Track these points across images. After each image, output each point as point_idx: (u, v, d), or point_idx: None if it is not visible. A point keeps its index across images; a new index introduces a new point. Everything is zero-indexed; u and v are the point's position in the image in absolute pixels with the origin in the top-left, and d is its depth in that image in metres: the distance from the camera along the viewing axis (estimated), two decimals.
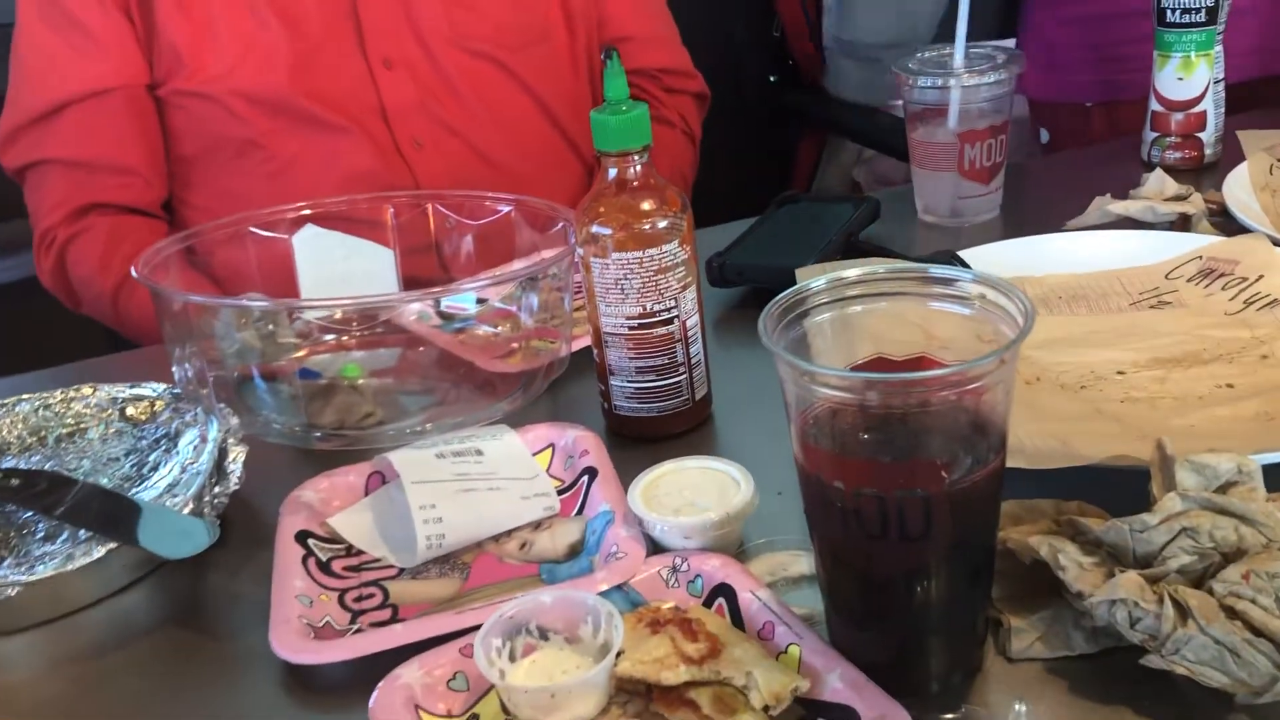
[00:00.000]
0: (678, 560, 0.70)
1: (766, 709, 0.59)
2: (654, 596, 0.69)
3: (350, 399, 0.92)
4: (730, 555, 0.71)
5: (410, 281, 1.10)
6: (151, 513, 0.76)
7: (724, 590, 0.68)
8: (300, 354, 1.00)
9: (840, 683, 0.59)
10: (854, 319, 0.61)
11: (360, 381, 0.95)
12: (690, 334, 0.85)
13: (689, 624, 0.64)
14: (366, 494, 0.83)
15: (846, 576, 0.59)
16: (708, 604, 0.68)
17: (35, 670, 0.74)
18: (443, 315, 1.06)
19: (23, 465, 0.86)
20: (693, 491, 0.74)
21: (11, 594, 0.71)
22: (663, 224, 0.82)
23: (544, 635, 0.65)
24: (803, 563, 0.71)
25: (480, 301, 1.05)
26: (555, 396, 0.95)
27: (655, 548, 0.73)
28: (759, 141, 1.93)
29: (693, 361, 0.86)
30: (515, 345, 1.01)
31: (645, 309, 0.82)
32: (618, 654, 0.62)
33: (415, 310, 1.05)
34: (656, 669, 0.61)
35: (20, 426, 0.91)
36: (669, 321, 0.83)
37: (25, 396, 0.94)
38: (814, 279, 0.59)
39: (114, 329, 1.36)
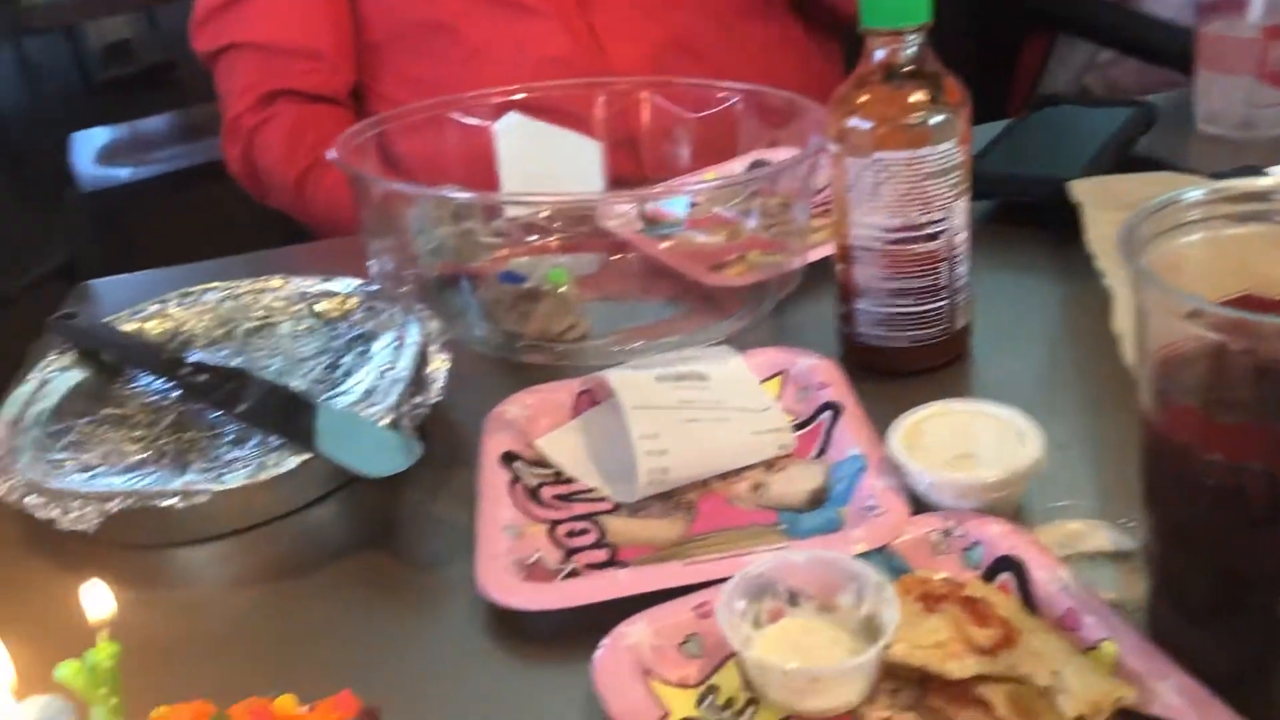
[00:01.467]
0: (950, 523, 0.59)
1: (1079, 719, 0.48)
2: (921, 564, 0.59)
3: (555, 307, 0.83)
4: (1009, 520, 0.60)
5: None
6: (343, 421, 0.69)
7: (1010, 564, 0.57)
8: (498, 255, 0.91)
9: (1176, 696, 0.48)
10: (1225, 243, 0.48)
11: (563, 289, 0.86)
12: (957, 252, 0.72)
13: (975, 604, 0.53)
14: (575, 414, 0.74)
15: (1199, 565, 0.47)
16: (987, 578, 0.57)
17: (222, 584, 0.68)
18: (647, 219, 0.96)
19: (210, 359, 0.80)
20: (965, 441, 0.63)
21: (200, 501, 0.65)
22: (937, 119, 0.69)
23: (794, 600, 0.56)
24: (1101, 536, 0.59)
25: (693, 205, 0.95)
26: (782, 317, 0.84)
27: (917, 504, 0.62)
28: (977, 40, 1.75)
29: (957, 285, 0.73)
30: (732, 256, 0.90)
31: (907, 220, 0.70)
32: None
33: (619, 211, 0.96)
34: (940, 657, 0.51)
35: (208, 317, 0.86)
36: (934, 236, 0.71)
37: (213, 285, 0.88)
38: (1188, 189, 0.46)
39: (297, 220, 1.31)
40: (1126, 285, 0.57)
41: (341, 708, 0.43)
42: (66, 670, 0.40)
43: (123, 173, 2.39)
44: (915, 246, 0.71)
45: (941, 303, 0.73)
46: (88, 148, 2.47)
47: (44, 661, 0.43)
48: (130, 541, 0.68)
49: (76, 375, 0.80)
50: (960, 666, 0.50)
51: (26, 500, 0.67)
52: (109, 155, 2.45)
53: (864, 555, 0.58)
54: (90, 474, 0.70)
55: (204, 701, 0.44)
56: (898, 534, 0.59)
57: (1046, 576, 0.55)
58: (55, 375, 0.80)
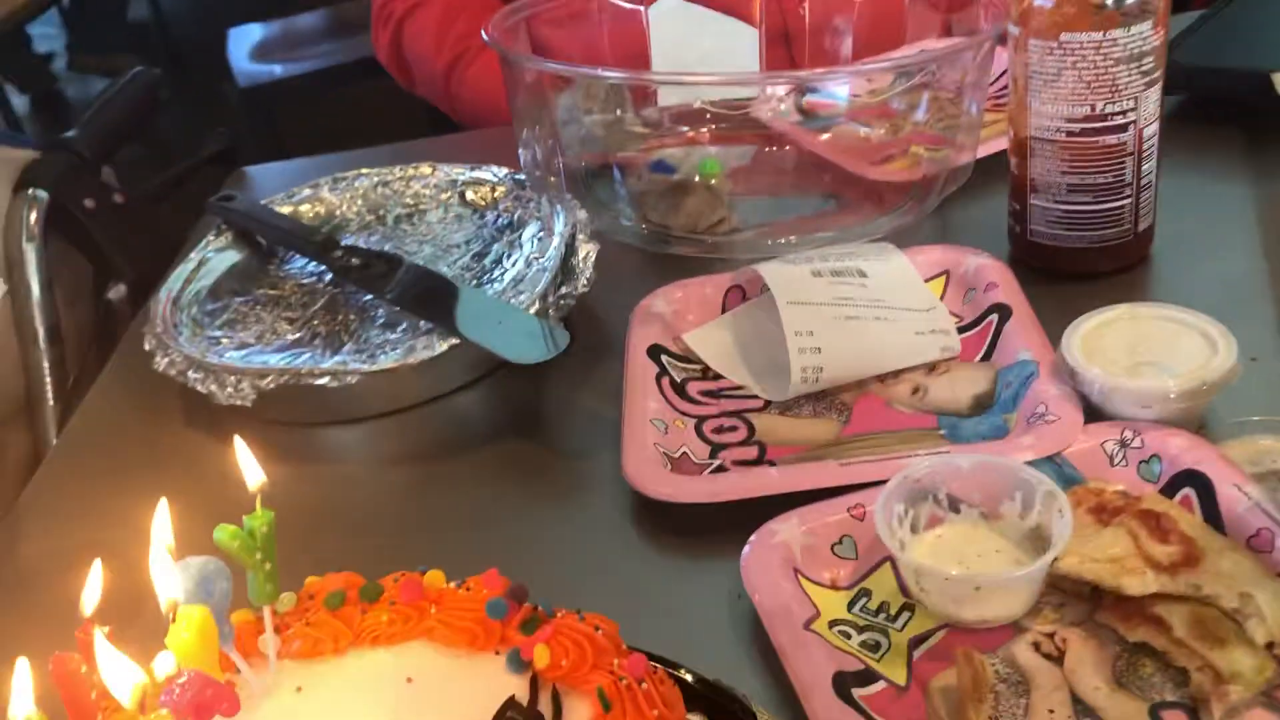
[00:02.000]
0: (1128, 433, 0.55)
1: (1270, 646, 0.45)
2: (1094, 475, 0.55)
3: (706, 200, 0.80)
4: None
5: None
6: (483, 305, 0.69)
7: (1193, 479, 0.53)
8: (648, 144, 0.88)
9: None
10: None
11: (715, 181, 0.83)
12: (1146, 146, 0.67)
13: (1155, 518, 0.50)
14: (724, 310, 0.72)
15: None
16: (1167, 493, 0.53)
17: (371, 464, 0.69)
18: (804, 111, 0.92)
19: (362, 244, 0.80)
20: (1149, 347, 0.58)
21: (352, 381, 0.66)
22: None
23: (955, 506, 0.53)
24: None
25: (854, 97, 0.90)
26: (946, 214, 0.80)
27: (1091, 413, 0.58)
28: None
29: (1142, 182, 0.68)
30: (894, 151, 0.86)
31: (1093, 109, 0.65)
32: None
33: (773, 103, 0.92)
34: (1114, 572, 0.48)
35: (360, 203, 0.86)
36: (1122, 128, 0.65)
37: (364, 171, 0.88)
38: None
39: (443, 111, 1.31)
40: None
41: (489, 585, 0.42)
42: (224, 534, 0.41)
43: (276, 69, 2.43)
44: (1100, 139, 0.66)
45: (1125, 201, 0.68)
46: (243, 44, 2.52)
47: (201, 527, 0.43)
48: (284, 419, 0.69)
49: (233, 256, 0.82)
50: (1140, 583, 0.47)
51: (189, 374, 0.69)
52: (263, 52, 2.49)
53: (1034, 464, 0.54)
54: (245, 351, 0.71)
55: (353, 573, 0.44)
56: (1070, 442, 0.56)
57: (1234, 494, 0.51)
58: (213, 255, 0.81)
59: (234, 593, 0.41)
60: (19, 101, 3.23)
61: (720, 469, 0.61)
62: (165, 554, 0.39)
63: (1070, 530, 0.48)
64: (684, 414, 0.65)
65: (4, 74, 3.07)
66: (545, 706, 0.38)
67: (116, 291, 0.95)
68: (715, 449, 0.62)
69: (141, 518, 0.41)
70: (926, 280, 0.70)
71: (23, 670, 0.36)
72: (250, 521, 0.41)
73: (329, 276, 0.78)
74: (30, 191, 0.90)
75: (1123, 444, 0.55)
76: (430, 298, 0.70)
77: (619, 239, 0.80)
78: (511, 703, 0.38)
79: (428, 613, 0.42)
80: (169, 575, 0.38)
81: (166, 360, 0.70)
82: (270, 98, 2.41)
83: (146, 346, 0.73)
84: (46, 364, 0.88)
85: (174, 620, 0.37)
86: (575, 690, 0.38)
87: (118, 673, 0.37)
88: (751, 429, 0.63)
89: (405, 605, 0.42)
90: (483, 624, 0.41)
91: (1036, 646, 0.48)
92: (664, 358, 0.68)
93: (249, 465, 0.43)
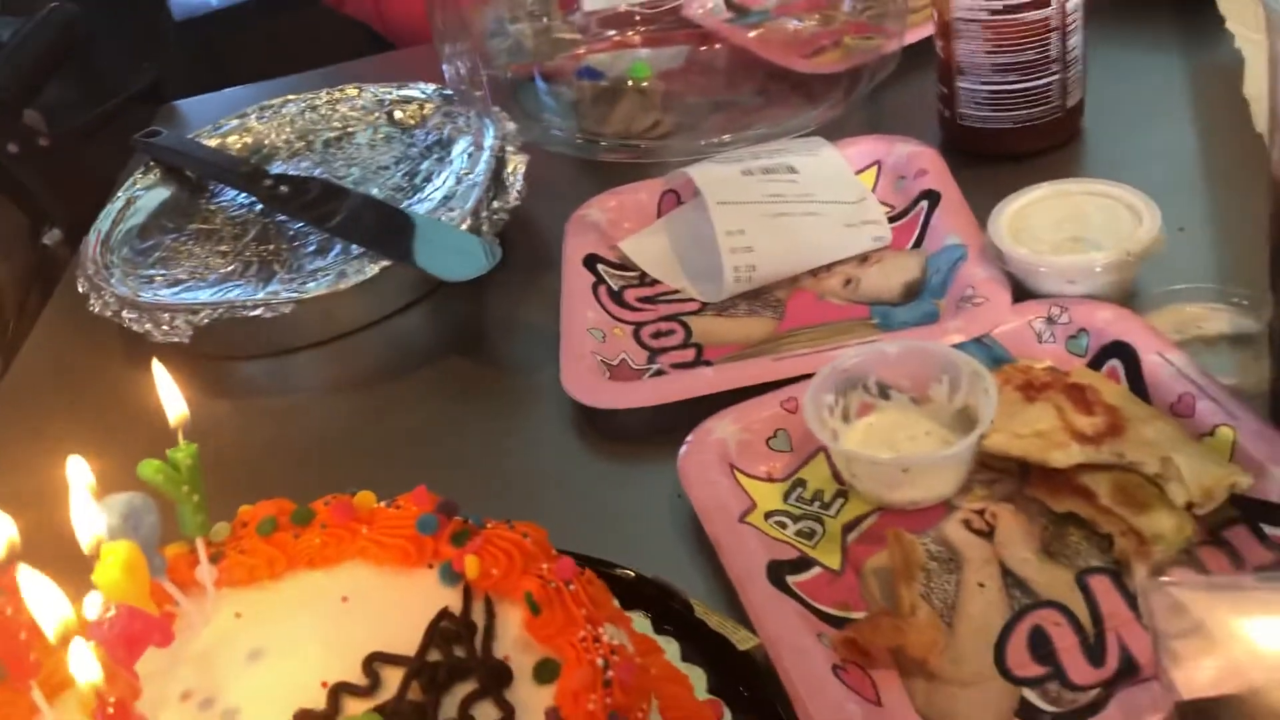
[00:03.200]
0: (1055, 309, 0.56)
1: (1189, 507, 0.46)
2: (1022, 353, 0.56)
3: (637, 104, 0.79)
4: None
5: None
6: (426, 228, 0.68)
7: (1119, 350, 0.53)
8: (577, 52, 0.87)
9: None
10: None
11: (647, 84, 0.82)
12: (1070, 21, 0.66)
13: (1080, 391, 0.50)
14: (659, 215, 0.72)
15: None
16: (1094, 366, 0.54)
17: (313, 393, 0.69)
18: (734, 7, 0.90)
19: (291, 171, 0.79)
20: (1075, 223, 0.58)
21: (285, 311, 0.65)
22: None
23: (884, 393, 0.54)
24: (1221, 319, 0.55)
25: None
26: (877, 104, 0.79)
27: (1020, 292, 0.58)
28: None
29: (1069, 57, 0.67)
30: (826, 42, 0.84)
31: None
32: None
33: (704, 0, 0.90)
34: (1041, 446, 0.48)
35: (287, 130, 0.84)
36: (1044, 2, 0.65)
37: (291, 98, 0.87)
38: None
39: (377, 29, 1.28)
40: (1260, 45, 0.51)
41: (419, 502, 0.42)
42: (148, 469, 0.41)
43: (212, 0, 2.36)
44: (1023, 16, 0.65)
45: (1051, 78, 0.67)
46: None
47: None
48: (223, 353, 0.69)
49: (162, 193, 0.80)
50: (1064, 455, 0.48)
51: (124, 314, 0.68)
52: None
53: (963, 346, 0.55)
54: (179, 288, 0.70)
55: (284, 499, 0.44)
56: (998, 323, 0.56)
57: (1158, 362, 0.52)
58: (141, 193, 0.80)
59: (165, 526, 0.41)
60: None
61: (659, 373, 0.61)
62: (85, 496, 0.39)
63: (995, 408, 0.49)
64: (622, 321, 0.65)
65: None
66: (478, 615, 0.39)
67: (51, 236, 0.93)
68: (653, 354, 0.62)
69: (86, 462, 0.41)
70: (858, 171, 0.70)
71: None
72: (174, 455, 0.41)
73: (259, 207, 0.77)
74: None
75: (1050, 321, 0.56)
76: (380, 228, 0.69)
77: (551, 149, 0.79)
78: (445, 613, 0.38)
79: (359, 533, 0.42)
80: (91, 514, 0.38)
81: (100, 302, 0.70)
82: (207, 29, 2.35)
83: (80, 289, 0.72)
84: None
85: (99, 558, 0.37)
86: (506, 597, 0.39)
87: (45, 606, 0.37)
88: (689, 332, 0.63)
89: (337, 527, 0.42)
90: (414, 540, 0.41)
91: (967, 524, 0.49)
92: (600, 266, 0.68)
93: (170, 396, 0.43)
